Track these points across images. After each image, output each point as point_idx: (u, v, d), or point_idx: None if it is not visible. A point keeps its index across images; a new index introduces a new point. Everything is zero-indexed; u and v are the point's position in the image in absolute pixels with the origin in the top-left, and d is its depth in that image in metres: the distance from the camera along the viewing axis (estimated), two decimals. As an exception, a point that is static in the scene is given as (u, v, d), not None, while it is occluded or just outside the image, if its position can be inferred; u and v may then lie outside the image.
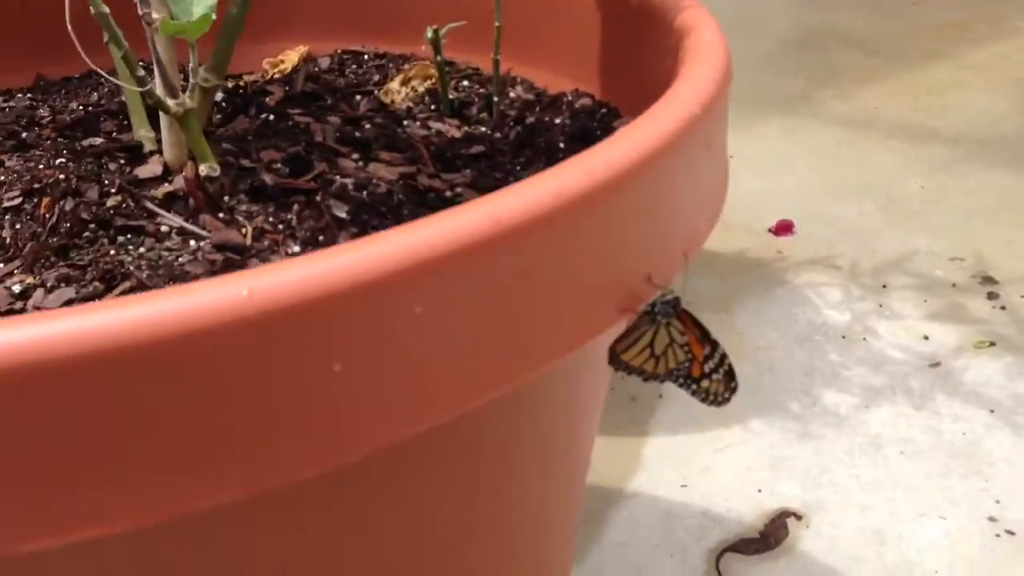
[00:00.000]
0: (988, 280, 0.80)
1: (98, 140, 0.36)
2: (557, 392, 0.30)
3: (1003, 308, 0.76)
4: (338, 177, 0.32)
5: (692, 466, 0.62)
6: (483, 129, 0.38)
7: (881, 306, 0.78)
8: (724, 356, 0.28)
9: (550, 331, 0.22)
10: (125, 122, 0.37)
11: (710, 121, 0.27)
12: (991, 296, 0.78)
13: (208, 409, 0.18)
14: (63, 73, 0.45)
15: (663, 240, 0.26)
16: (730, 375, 0.29)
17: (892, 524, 0.56)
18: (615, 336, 0.28)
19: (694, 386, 0.29)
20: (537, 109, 0.40)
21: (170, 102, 0.30)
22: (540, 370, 0.22)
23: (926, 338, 0.73)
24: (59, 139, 0.36)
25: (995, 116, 1.17)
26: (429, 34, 0.39)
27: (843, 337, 0.74)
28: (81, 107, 0.41)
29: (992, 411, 0.65)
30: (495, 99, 0.39)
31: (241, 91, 0.40)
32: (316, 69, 0.45)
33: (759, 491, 0.59)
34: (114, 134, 0.37)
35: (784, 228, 0.90)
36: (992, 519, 0.55)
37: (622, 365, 0.28)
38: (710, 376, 0.29)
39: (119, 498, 0.18)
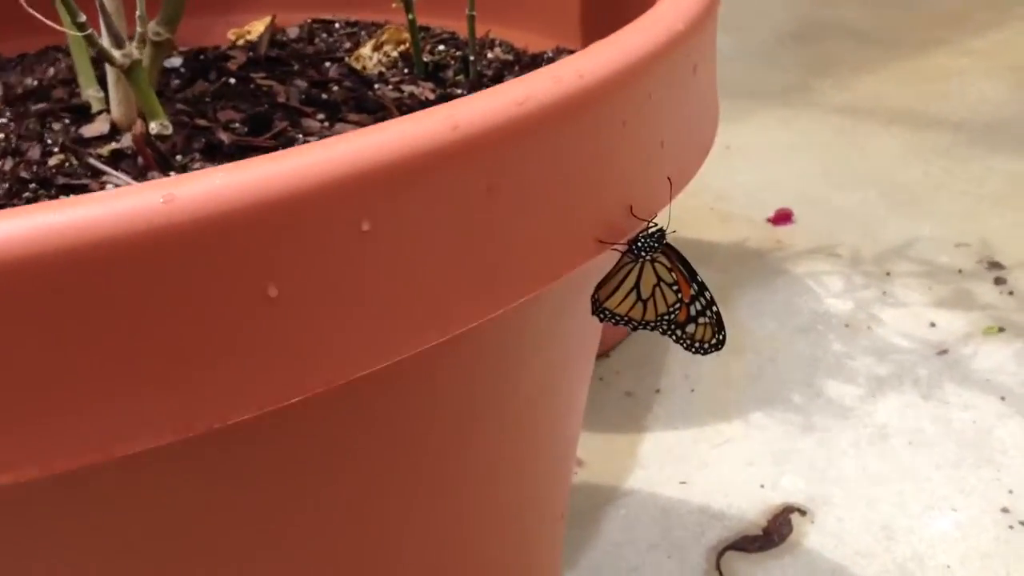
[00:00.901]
0: (995, 265, 0.78)
1: (44, 104, 0.34)
2: (528, 337, 0.27)
3: (1011, 293, 0.74)
4: (301, 136, 0.30)
5: (691, 462, 0.59)
6: (459, 91, 0.36)
7: (885, 294, 0.75)
8: (711, 299, 0.26)
9: (521, 260, 0.20)
10: (76, 88, 0.34)
11: (694, 40, 0.24)
12: (998, 281, 0.75)
13: (118, 336, 0.15)
14: (19, 50, 0.43)
15: (645, 166, 0.23)
16: (719, 321, 0.27)
17: (901, 517, 0.53)
18: (596, 279, 0.26)
19: (679, 332, 0.26)
20: (516, 69, 0.38)
21: (116, 52, 0.27)
22: (509, 304, 0.19)
23: (933, 325, 0.71)
24: (4, 107, 0.34)
25: (997, 102, 1.15)
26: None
27: (846, 326, 0.72)
28: (35, 80, 0.38)
29: (1003, 398, 0.62)
30: (471, 59, 0.36)
31: (201, 58, 0.38)
32: (283, 38, 0.42)
33: (761, 486, 0.56)
34: (63, 99, 0.34)
35: (783, 217, 0.88)
36: (1005, 510, 0.53)
37: (607, 314, 0.26)
38: (696, 320, 0.26)
39: (25, 444, 0.15)
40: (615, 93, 0.21)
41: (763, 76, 1.28)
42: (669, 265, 0.25)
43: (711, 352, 0.27)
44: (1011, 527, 0.52)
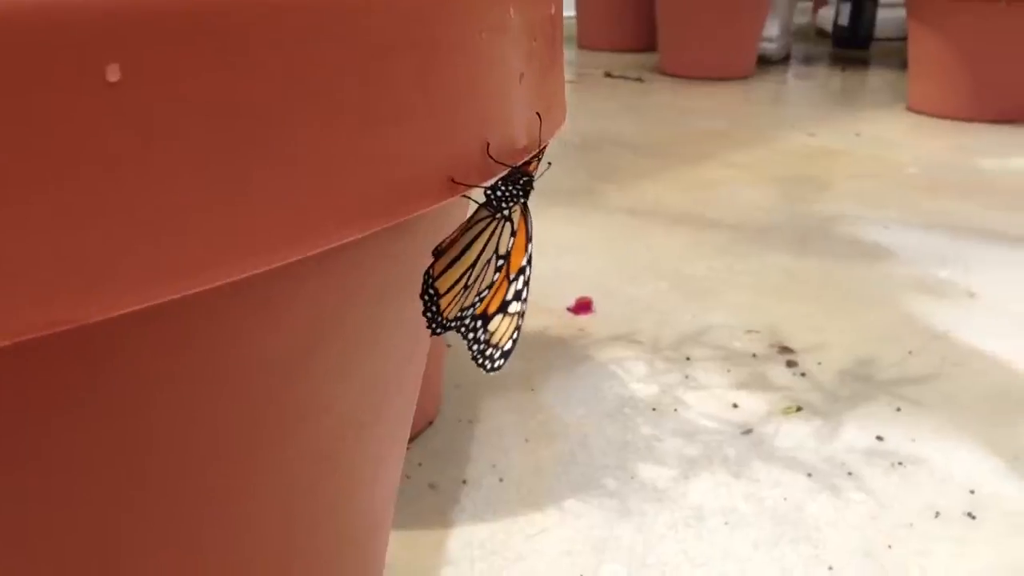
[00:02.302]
0: (785, 349, 0.80)
1: None
2: (336, 308, 0.21)
3: (803, 375, 0.75)
4: None
5: (504, 556, 0.53)
6: None
7: (687, 377, 0.75)
8: (528, 281, 0.21)
9: (343, 184, 0.14)
10: None
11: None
12: (790, 364, 0.77)
13: None
14: None
15: (504, 97, 0.18)
16: (520, 318, 0.22)
17: (729, 601, 0.50)
18: (424, 251, 0.20)
19: (480, 328, 0.21)
20: None
21: None
22: (328, 241, 0.14)
23: (735, 406, 0.70)
24: None
25: (765, 207, 1.22)
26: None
27: (653, 410, 0.70)
28: None
29: (809, 475, 0.61)
30: None
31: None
32: None
33: (582, 577, 0.51)
34: None
35: (583, 306, 0.87)
36: (829, 586, 0.51)
37: (432, 298, 0.20)
38: (506, 309, 0.21)
39: None
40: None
41: (550, 180, 1.30)
42: (516, 227, 0.20)
43: (497, 366, 0.22)
44: (838, 602, 0.49)
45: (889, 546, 0.54)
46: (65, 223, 0.11)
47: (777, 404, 0.71)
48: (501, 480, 0.60)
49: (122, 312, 0.12)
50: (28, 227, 0.10)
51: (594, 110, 1.89)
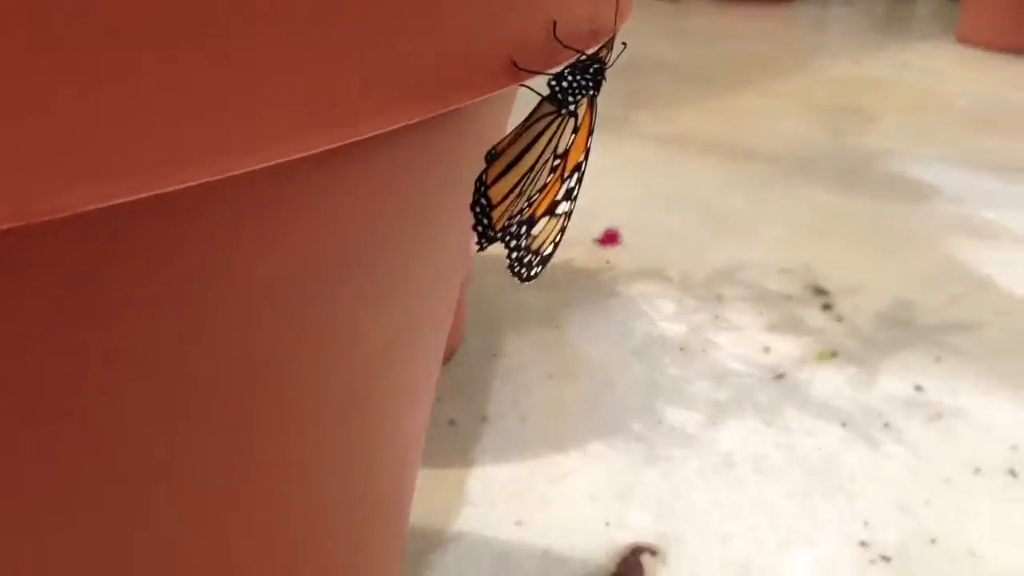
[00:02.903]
0: (820, 291, 0.77)
1: None
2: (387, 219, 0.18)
3: (839, 319, 0.72)
4: None
5: (527, 499, 0.52)
6: None
7: (717, 317, 0.72)
8: (582, 177, 0.19)
9: (397, 58, 0.11)
10: None
11: None
12: (825, 307, 0.74)
13: None
14: None
15: None
16: (567, 218, 0.19)
17: (758, 555, 0.48)
18: (477, 153, 0.18)
19: (523, 235, 0.19)
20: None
21: None
22: (362, 128, 0.11)
23: (767, 349, 0.68)
24: None
25: (805, 138, 1.18)
26: None
27: (681, 350, 0.67)
28: None
29: (844, 424, 0.59)
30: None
31: None
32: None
33: (607, 524, 0.50)
34: None
35: (611, 238, 0.83)
36: (864, 544, 0.49)
37: (485, 208, 0.17)
38: (554, 211, 0.19)
39: None
40: None
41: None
42: (579, 124, 0.17)
43: (534, 274, 0.19)
44: (872, 562, 0.47)
45: (927, 501, 0.52)
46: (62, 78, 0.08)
47: (811, 349, 0.68)
48: (523, 419, 0.58)
49: (127, 199, 0.09)
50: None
51: (628, 31, 1.82)
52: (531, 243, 0.19)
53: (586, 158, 0.19)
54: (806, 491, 0.53)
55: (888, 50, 1.73)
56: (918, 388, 0.63)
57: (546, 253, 0.19)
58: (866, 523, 0.50)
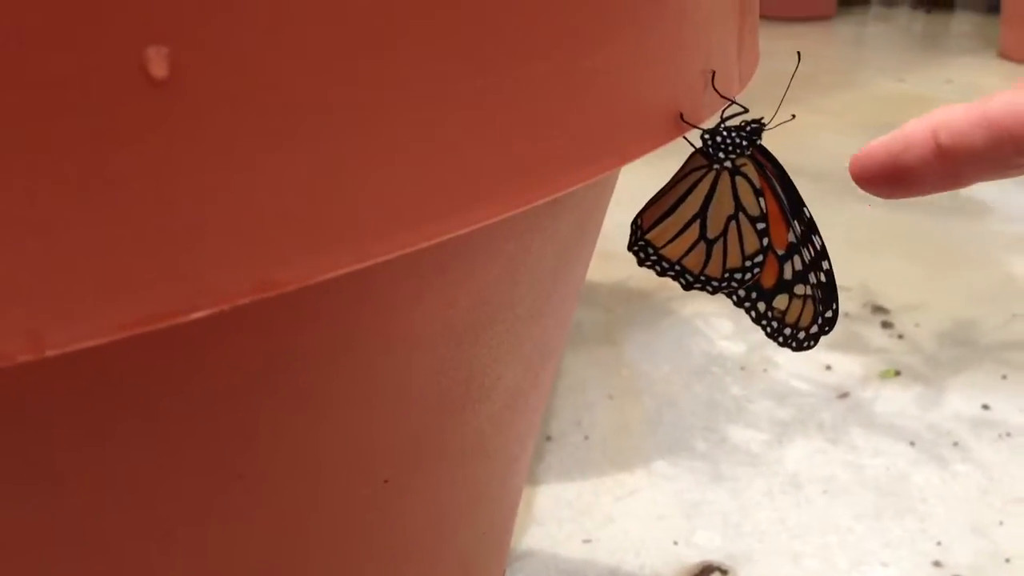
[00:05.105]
0: (879, 309, 0.76)
1: None
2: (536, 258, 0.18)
3: (900, 337, 0.72)
4: None
5: (594, 517, 0.52)
6: None
7: (776, 336, 0.71)
8: (823, 250, 0.18)
9: (570, 126, 0.11)
10: None
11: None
12: (885, 325, 0.73)
13: None
14: None
15: (725, 22, 0.15)
16: (830, 290, 0.18)
17: (830, 574, 0.47)
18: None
19: (759, 305, 0.18)
20: None
21: None
22: (543, 196, 0.11)
23: (828, 368, 0.67)
24: None
25: (852, 155, 1.17)
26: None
27: (742, 369, 0.67)
28: None
29: (912, 443, 0.58)
30: None
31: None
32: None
33: (675, 543, 0.50)
34: None
35: (664, 257, 0.83)
36: (937, 563, 0.48)
37: (648, 253, 0.17)
38: (791, 288, 0.18)
39: None
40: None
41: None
42: (758, 183, 0.17)
43: (808, 346, 0.19)
44: (949, 582, 0.47)
45: (1000, 522, 0.51)
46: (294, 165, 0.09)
47: (873, 367, 0.67)
48: (586, 438, 0.58)
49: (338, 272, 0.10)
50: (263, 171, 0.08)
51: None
52: (782, 317, 0.19)
53: (804, 245, 0.18)
54: (876, 511, 0.52)
55: (930, 67, 1.72)
56: (985, 407, 0.62)
57: (812, 331, 0.19)
58: (939, 543, 0.50)
